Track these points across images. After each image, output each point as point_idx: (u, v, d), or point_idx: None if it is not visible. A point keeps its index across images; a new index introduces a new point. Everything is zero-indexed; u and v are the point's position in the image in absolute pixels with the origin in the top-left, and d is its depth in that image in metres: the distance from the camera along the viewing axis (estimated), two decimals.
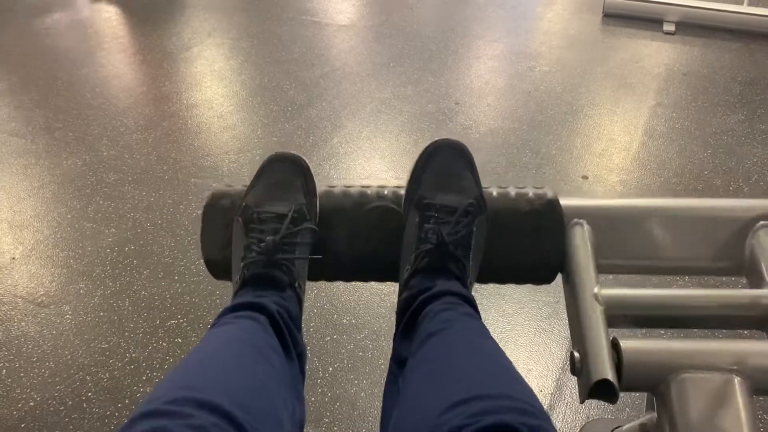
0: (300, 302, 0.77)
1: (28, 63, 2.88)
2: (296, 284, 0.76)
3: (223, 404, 0.52)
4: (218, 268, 0.86)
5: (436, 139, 0.84)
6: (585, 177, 2.07)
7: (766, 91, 2.55)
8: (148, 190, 2.02)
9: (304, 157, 0.85)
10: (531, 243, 0.83)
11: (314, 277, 0.84)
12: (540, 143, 2.24)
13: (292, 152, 0.84)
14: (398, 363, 0.71)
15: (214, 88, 2.65)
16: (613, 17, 3.24)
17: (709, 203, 0.85)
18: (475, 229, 0.76)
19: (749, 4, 3.07)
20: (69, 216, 1.91)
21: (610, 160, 2.15)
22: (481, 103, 2.52)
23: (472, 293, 0.77)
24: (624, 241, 0.85)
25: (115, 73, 2.79)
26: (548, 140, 2.26)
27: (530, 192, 0.86)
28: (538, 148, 2.21)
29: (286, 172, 0.82)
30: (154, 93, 2.62)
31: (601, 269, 0.82)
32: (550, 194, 0.85)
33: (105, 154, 2.21)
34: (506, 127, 2.34)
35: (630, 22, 3.18)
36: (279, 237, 0.74)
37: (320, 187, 0.86)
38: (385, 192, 0.86)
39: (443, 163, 0.81)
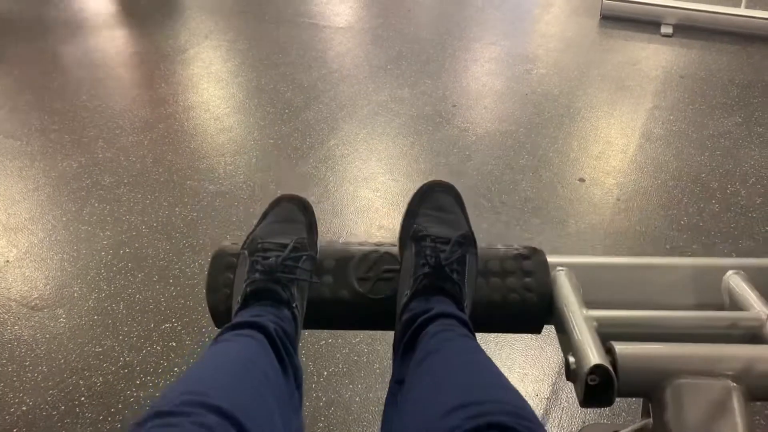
0: (297, 323, 0.79)
1: (23, 65, 2.87)
2: (294, 304, 0.78)
3: (228, 408, 0.55)
4: (222, 315, 0.88)
5: (429, 180, 0.91)
6: (582, 180, 2.06)
7: (764, 94, 2.55)
8: (144, 192, 2.01)
9: (307, 199, 0.92)
10: (518, 287, 0.87)
11: (312, 324, 0.87)
12: (537, 146, 2.23)
13: (297, 194, 0.92)
14: (398, 382, 0.74)
15: (211, 91, 2.64)
16: (611, 20, 3.24)
17: (685, 261, 0.93)
18: (468, 257, 0.82)
19: (746, 7, 3.07)
20: (64, 218, 1.90)
21: (607, 162, 2.15)
22: (478, 105, 2.51)
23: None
24: (607, 290, 0.89)
25: (111, 75, 2.78)
26: (545, 143, 2.25)
27: (516, 245, 0.93)
28: (534, 150, 2.21)
29: (290, 210, 0.89)
30: (151, 95, 2.62)
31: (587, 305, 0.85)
32: (534, 245, 0.92)
33: (101, 156, 2.20)
34: (503, 130, 2.34)
35: (627, 24, 3.18)
36: (281, 259, 0.78)
37: (321, 239, 0.91)
38: (382, 244, 0.93)
39: (435, 200, 0.89)
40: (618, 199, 1.97)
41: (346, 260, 0.89)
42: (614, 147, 2.23)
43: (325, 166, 2.14)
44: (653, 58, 2.86)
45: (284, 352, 0.72)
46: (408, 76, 2.73)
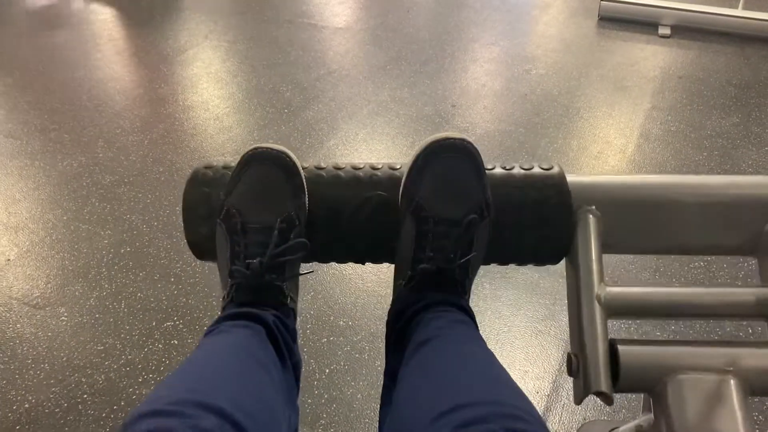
0: (294, 314, 0.75)
1: (23, 65, 2.87)
2: (288, 300, 0.73)
3: (226, 408, 0.52)
4: (202, 250, 0.83)
5: (441, 136, 0.75)
6: None
7: (761, 95, 2.56)
8: (144, 191, 2.01)
9: (287, 151, 0.77)
10: (537, 228, 0.79)
11: (306, 259, 0.80)
12: (536, 146, 2.24)
13: (275, 148, 0.77)
14: (390, 375, 0.71)
15: (211, 91, 2.65)
16: (609, 21, 3.25)
17: (731, 180, 0.81)
18: (475, 247, 0.72)
19: (744, 8, 3.08)
20: (64, 218, 1.91)
21: (606, 162, 2.16)
22: (478, 105, 2.52)
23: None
24: (635, 221, 0.81)
25: (111, 75, 2.79)
26: (544, 143, 2.26)
27: (537, 173, 0.81)
28: (534, 150, 2.22)
29: (270, 173, 0.75)
30: (151, 95, 2.62)
31: (609, 249, 0.80)
32: (557, 175, 0.80)
33: (101, 155, 2.21)
34: (502, 130, 2.35)
35: (625, 25, 3.19)
36: (266, 257, 0.69)
37: (309, 168, 0.82)
38: (379, 174, 0.81)
39: (446, 166, 0.74)
40: None
41: (338, 211, 0.79)
42: (613, 147, 2.24)
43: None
44: (651, 59, 2.87)
45: (283, 344, 0.69)
46: (407, 77, 2.74)
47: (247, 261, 0.70)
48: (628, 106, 2.50)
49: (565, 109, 2.48)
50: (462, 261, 0.71)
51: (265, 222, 0.72)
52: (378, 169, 0.82)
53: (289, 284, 0.74)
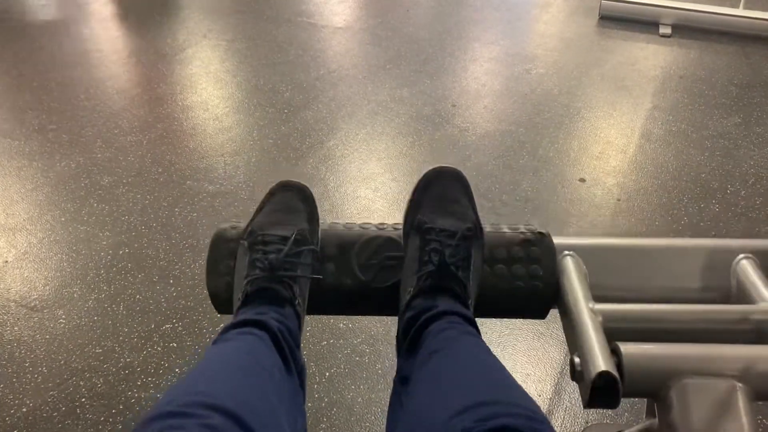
0: (300, 320, 0.78)
1: (20, 64, 2.85)
2: (296, 302, 0.77)
3: (234, 409, 0.54)
4: (222, 300, 0.87)
5: (435, 166, 0.86)
6: (582, 180, 2.06)
7: (763, 94, 2.55)
8: (143, 192, 2.00)
9: (308, 187, 0.88)
10: (524, 273, 0.85)
11: (314, 309, 0.86)
12: (537, 145, 2.23)
13: (298, 181, 0.88)
14: (402, 381, 0.73)
15: (210, 90, 2.64)
16: (609, 20, 3.24)
17: (694, 243, 0.90)
18: (473, 251, 0.79)
19: (745, 7, 3.07)
20: (63, 219, 1.89)
21: (607, 162, 2.15)
22: (478, 105, 2.51)
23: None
24: (615, 275, 0.88)
25: (109, 74, 2.77)
26: (545, 142, 2.25)
27: (522, 227, 0.90)
28: (534, 150, 2.21)
29: (290, 199, 0.86)
30: (149, 95, 2.61)
31: (593, 299, 0.83)
32: (540, 229, 0.89)
33: (99, 156, 2.20)
34: (503, 130, 2.34)
35: (626, 24, 3.18)
36: (282, 255, 0.76)
37: (323, 222, 0.89)
38: (385, 226, 0.90)
39: (442, 189, 0.84)
40: (618, 200, 1.97)
41: (348, 246, 0.87)
42: (614, 147, 2.23)
43: (325, 167, 2.13)
44: (652, 59, 2.86)
45: (288, 351, 0.71)
46: (407, 76, 2.73)
47: (265, 260, 0.77)
48: (629, 105, 2.49)
49: (566, 108, 2.47)
50: (462, 257, 0.77)
51: (283, 234, 0.80)
52: (384, 224, 0.92)
53: (299, 287, 0.79)
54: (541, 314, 0.88)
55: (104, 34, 3.18)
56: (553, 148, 2.22)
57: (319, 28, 3.20)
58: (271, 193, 0.87)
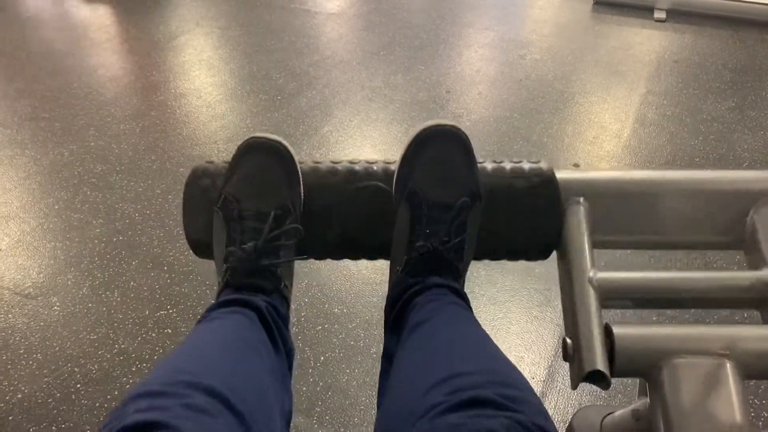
0: (287, 302, 0.75)
1: (12, 52, 2.83)
2: (282, 285, 0.74)
3: (218, 387, 0.53)
4: (202, 247, 0.83)
5: (431, 123, 0.77)
6: (576, 165, 2.06)
7: (757, 78, 2.55)
8: (137, 180, 2.00)
9: (284, 142, 0.78)
10: (527, 220, 0.80)
11: (302, 255, 0.81)
12: (531, 131, 2.23)
13: (272, 138, 0.77)
14: (388, 358, 0.72)
15: (203, 78, 2.62)
16: (604, 5, 3.23)
17: (713, 175, 0.81)
18: (468, 230, 0.74)
19: None
20: (56, 207, 1.89)
21: (601, 147, 2.15)
22: (472, 91, 2.51)
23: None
24: (622, 215, 0.82)
25: (101, 62, 2.75)
26: (539, 128, 2.25)
27: (526, 167, 0.82)
28: (529, 135, 2.21)
29: (266, 162, 0.76)
30: (142, 82, 2.59)
31: (598, 245, 0.80)
32: (546, 169, 0.82)
33: (92, 144, 2.19)
34: (497, 116, 2.33)
35: (620, 9, 3.17)
36: (261, 241, 0.71)
37: (306, 162, 0.82)
38: (375, 168, 0.82)
39: (438, 151, 0.76)
40: None
41: (334, 199, 0.80)
42: (608, 132, 2.23)
43: (319, 153, 2.13)
44: (647, 43, 2.85)
45: (276, 331, 0.69)
46: (401, 62, 2.72)
47: (242, 246, 0.71)
48: (624, 90, 2.48)
49: (560, 94, 2.47)
50: (456, 241, 0.72)
51: (261, 209, 0.73)
52: (373, 163, 0.83)
53: (284, 270, 0.75)
54: (542, 256, 0.83)
55: (96, 22, 3.15)
56: (547, 133, 2.22)
57: (312, 15, 3.18)
58: (242, 152, 0.78)
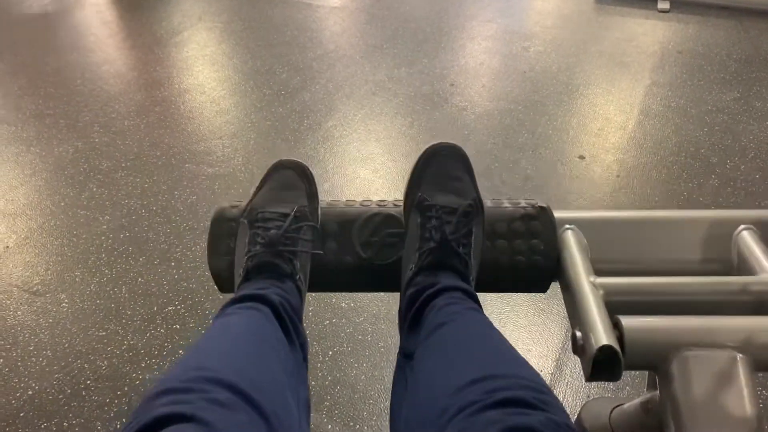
0: (301, 294, 0.78)
1: (15, 50, 2.83)
2: (297, 276, 0.77)
3: (239, 383, 0.54)
4: (225, 279, 0.87)
5: (434, 143, 0.86)
6: (582, 157, 2.06)
7: (762, 68, 2.54)
8: (142, 176, 2.00)
9: (307, 165, 0.88)
10: (525, 248, 0.85)
11: (315, 287, 0.86)
12: (536, 123, 2.23)
13: (296, 160, 0.88)
14: (406, 356, 0.73)
15: (206, 73, 2.62)
16: None
17: (694, 214, 0.90)
18: (474, 228, 0.79)
19: None
20: (62, 204, 1.89)
21: (606, 139, 2.15)
22: (476, 83, 2.50)
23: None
24: (615, 248, 0.88)
25: (104, 59, 2.75)
26: (544, 120, 2.24)
27: (522, 201, 0.90)
28: (534, 128, 2.20)
29: (289, 177, 0.86)
30: (145, 78, 2.59)
31: (594, 272, 0.83)
32: (541, 203, 0.89)
33: (97, 140, 2.19)
34: (502, 108, 2.33)
35: (624, 0, 3.16)
36: (282, 231, 0.77)
37: (322, 201, 0.89)
38: (385, 203, 0.90)
39: (441, 165, 0.84)
40: (618, 176, 1.97)
41: (348, 224, 0.87)
42: (613, 124, 2.22)
43: (324, 148, 2.13)
44: (650, 34, 2.84)
45: (290, 325, 0.71)
46: (405, 56, 2.71)
47: (265, 235, 0.77)
48: (628, 82, 2.48)
49: (565, 86, 2.46)
50: (464, 232, 0.77)
51: (282, 211, 0.80)
52: (385, 201, 0.91)
53: (300, 262, 0.79)
54: (542, 288, 0.88)
55: (99, 18, 3.15)
56: (552, 125, 2.22)
57: (314, 9, 3.17)
58: (270, 172, 0.87)
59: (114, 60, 2.75)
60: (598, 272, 0.84)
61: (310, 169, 0.88)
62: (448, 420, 0.53)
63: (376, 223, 0.87)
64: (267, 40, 2.87)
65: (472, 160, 0.87)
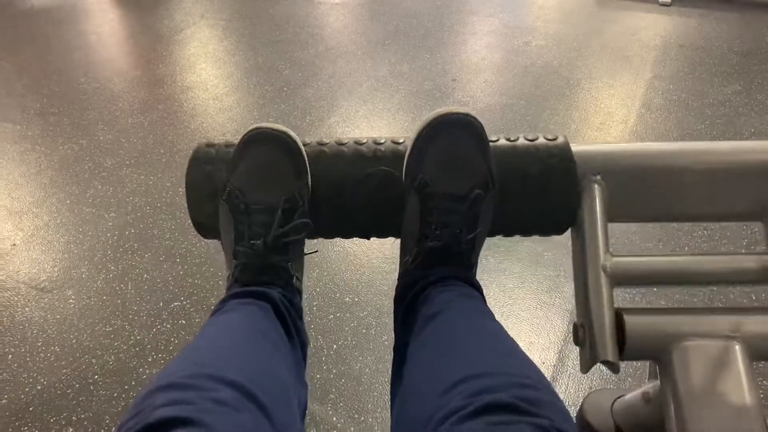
0: (299, 293, 0.76)
1: (19, 49, 2.85)
2: (293, 280, 0.74)
3: (241, 381, 0.52)
4: (207, 229, 0.83)
5: (444, 111, 0.75)
6: None
7: (763, 61, 2.54)
8: (147, 173, 2.01)
9: (289, 132, 0.76)
10: (543, 200, 0.79)
11: (310, 236, 0.80)
12: (538, 118, 2.23)
13: (277, 129, 0.75)
14: (399, 350, 0.71)
15: (209, 70, 2.63)
16: None
17: (732, 146, 0.80)
18: (480, 221, 0.73)
19: None
20: (68, 201, 1.91)
21: (608, 133, 2.15)
22: (478, 79, 2.51)
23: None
24: (641, 189, 0.80)
25: (107, 57, 2.77)
26: (546, 115, 2.25)
27: (541, 143, 0.80)
28: (536, 122, 2.21)
29: (272, 153, 0.74)
30: (149, 76, 2.60)
31: (615, 219, 0.80)
32: (562, 145, 0.80)
33: (101, 138, 2.20)
34: (504, 103, 2.34)
35: None
36: (270, 237, 0.70)
37: (311, 144, 0.81)
38: (383, 150, 0.80)
39: (450, 141, 0.73)
40: None
41: (342, 186, 0.78)
42: (615, 117, 2.23)
43: None
44: (652, 28, 2.84)
45: (291, 322, 0.70)
46: (406, 51, 2.72)
47: (251, 242, 0.70)
48: (630, 76, 2.48)
49: (566, 80, 2.46)
50: (469, 237, 0.71)
51: (268, 203, 0.72)
52: (381, 143, 0.81)
53: (294, 264, 0.75)
54: (558, 232, 0.83)
55: (101, 17, 3.16)
56: (553, 120, 2.22)
57: (316, 5, 3.18)
58: (246, 143, 0.75)
59: (117, 58, 2.76)
60: (618, 216, 0.80)
61: (293, 135, 0.77)
62: (434, 429, 0.50)
63: (373, 184, 0.77)
64: (269, 36, 2.87)
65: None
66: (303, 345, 0.73)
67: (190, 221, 0.82)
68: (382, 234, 0.83)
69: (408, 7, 3.15)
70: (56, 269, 1.67)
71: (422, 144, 0.74)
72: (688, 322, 0.73)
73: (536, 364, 0.58)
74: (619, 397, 1.11)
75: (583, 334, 0.74)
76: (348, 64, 2.63)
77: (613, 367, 0.71)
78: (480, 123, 0.76)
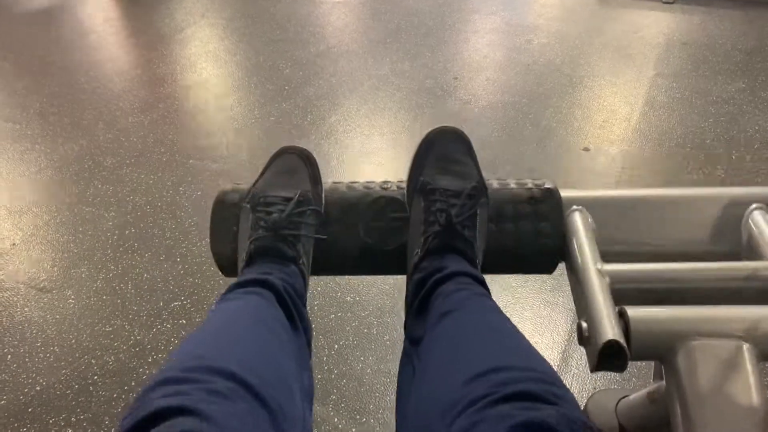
0: (305, 279, 0.77)
1: (19, 49, 2.84)
2: (301, 260, 0.76)
3: (237, 371, 0.53)
4: (227, 263, 0.87)
5: (435, 126, 0.86)
6: (586, 149, 2.05)
7: (767, 59, 2.53)
8: (147, 172, 2.00)
9: (310, 152, 0.88)
10: (531, 230, 0.84)
11: (319, 270, 0.85)
12: (540, 116, 2.22)
13: (299, 146, 0.87)
14: (412, 343, 0.72)
15: (209, 69, 2.62)
16: None
17: (703, 192, 0.87)
18: (479, 210, 0.78)
19: None
20: (68, 200, 1.90)
21: (611, 131, 2.14)
22: (480, 77, 2.49)
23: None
24: (623, 228, 0.86)
25: (108, 56, 2.76)
26: (548, 113, 2.24)
27: (529, 182, 0.88)
28: (538, 120, 2.20)
29: (292, 162, 0.85)
30: (149, 75, 2.60)
31: (601, 256, 0.82)
32: (548, 183, 0.87)
33: (101, 137, 2.19)
34: (506, 101, 2.32)
35: None
36: (285, 215, 0.76)
37: (325, 182, 0.88)
38: (388, 185, 0.89)
39: (444, 149, 0.84)
40: (623, 168, 1.96)
41: (351, 208, 0.86)
42: (618, 115, 2.22)
43: (328, 143, 2.13)
44: (655, 26, 2.83)
45: (293, 309, 0.70)
46: (408, 50, 2.71)
47: (268, 218, 0.77)
48: (632, 73, 2.47)
49: (569, 78, 2.45)
50: (468, 215, 0.76)
51: (285, 196, 0.80)
52: (388, 182, 0.90)
53: (303, 246, 0.78)
54: (549, 270, 0.87)
55: (102, 16, 3.15)
56: (556, 118, 2.21)
57: (317, 4, 3.17)
58: (273, 158, 0.87)
59: (117, 57, 2.76)
60: (605, 254, 0.83)
61: (313, 155, 0.88)
62: (459, 413, 0.51)
63: (379, 206, 0.85)
64: (270, 35, 2.86)
65: (476, 153, 0.86)
66: (306, 332, 0.74)
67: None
68: (388, 264, 0.86)
69: (409, 5, 3.14)
70: (56, 269, 1.66)
71: (421, 156, 0.85)
72: (695, 320, 0.72)
73: (558, 375, 0.58)
74: (623, 398, 1.09)
75: (586, 333, 0.73)
76: (349, 63, 2.62)
77: (618, 367, 0.69)
78: (467, 137, 0.87)
